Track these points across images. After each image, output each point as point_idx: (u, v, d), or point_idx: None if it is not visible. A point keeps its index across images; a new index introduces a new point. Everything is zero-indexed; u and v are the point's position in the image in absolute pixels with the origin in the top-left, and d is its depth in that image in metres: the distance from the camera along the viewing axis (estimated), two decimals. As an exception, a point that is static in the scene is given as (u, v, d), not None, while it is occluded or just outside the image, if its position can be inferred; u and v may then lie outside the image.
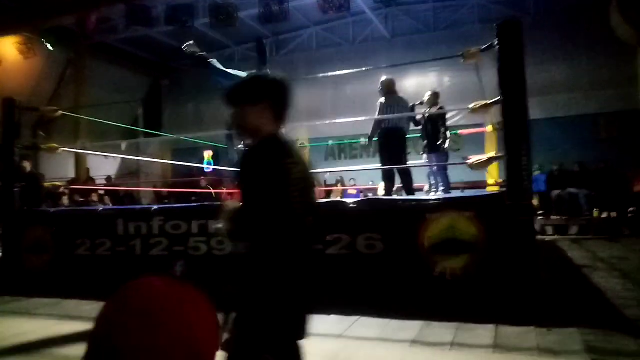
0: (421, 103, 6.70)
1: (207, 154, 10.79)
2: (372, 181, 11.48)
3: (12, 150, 5.53)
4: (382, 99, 6.21)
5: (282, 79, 1.76)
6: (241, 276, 1.55)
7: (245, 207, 1.62)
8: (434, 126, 6.43)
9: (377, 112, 6.18)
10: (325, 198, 10.95)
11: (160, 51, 15.00)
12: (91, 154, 10.50)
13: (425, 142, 6.59)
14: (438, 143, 6.38)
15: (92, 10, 4.61)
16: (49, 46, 10.80)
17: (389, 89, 6.29)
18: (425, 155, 6.65)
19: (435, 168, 6.58)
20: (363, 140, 12.75)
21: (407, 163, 6.48)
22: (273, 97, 1.70)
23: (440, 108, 6.56)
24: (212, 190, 10.97)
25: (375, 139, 6.25)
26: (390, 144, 6.09)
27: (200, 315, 0.94)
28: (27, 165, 6.40)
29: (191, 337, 0.89)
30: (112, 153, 11.10)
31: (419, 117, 6.56)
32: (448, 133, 7.05)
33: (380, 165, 6.35)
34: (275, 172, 1.53)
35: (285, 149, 1.62)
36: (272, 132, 1.67)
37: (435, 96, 6.65)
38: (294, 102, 1.76)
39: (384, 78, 6.42)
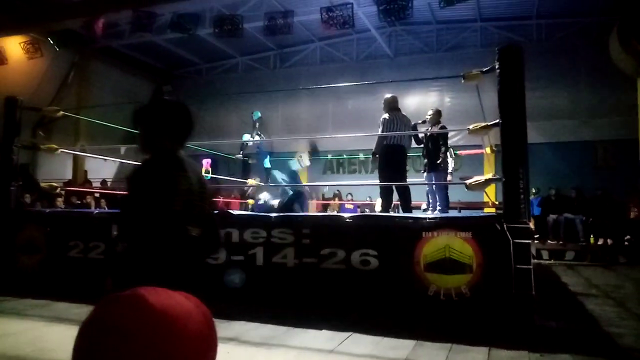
0: (424, 122, 6.75)
1: (206, 163, 10.76)
2: (369, 197, 11.49)
3: (11, 149, 5.53)
4: (385, 115, 6.22)
5: (183, 106, 1.95)
6: (122, 275, 1.69)
7: (126, 211, 1.78)
8: (435, 145, 6.46)
9: (380, 128, 6.19)
10: (322, 211, 10.94)
11: (164, 58, 15.10)
12: (89, 156, 10.49)
13: (426, 160, 6.61)
14: (438, 162, 6.41)
15: (100, 14, 4.66)
16: (55, 47, 10.85)
17: (391, 105, 6.31)
18: (425, 174, 6.68)
19: (434, 187, 6.60)
20: (362, 156, 12.86)
21: (407, 180, 6.48)
22: (172, 122, 1.89)
23: (442, 127, 6.59)
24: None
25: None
26: (390, 160, 6.08)
27: (190, 330, 0.91)
28: None
29: (176, 355, 0.86)
30: (111, 156, 11.08)
31: (421, 135, 6.61)
32: (451, 152, 7.08)
33: (379, 181, 6.34)
34: (162, 181, 1.70)
35: (177, 163, 1.78)
36: (168, 148, 1.84)
37: (437, 114, 6.69)
38: (194, 126, 1.95)
39: (387, 95, 6.45)
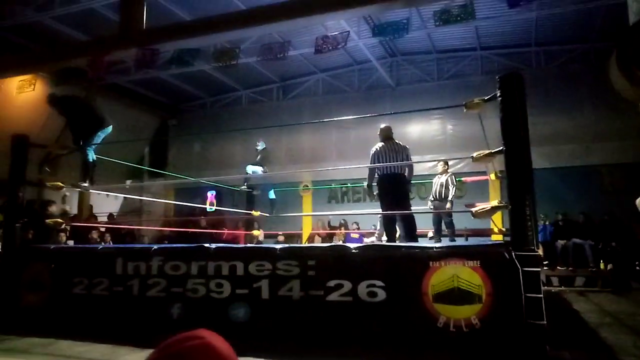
0: None
1: (210, 196, 10.82)
2: (374, 225, 11.42)
3: (18, 187, 5.56)
4: (374, 148, 6.32)
5: None
6: None
7: None
8: None
9: (369, 160, 6.30)
10: (328, 241, 10.87)
11: (169, 92, 15.35)
12: (95, 192, 10.53)
13: None
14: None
15: (107, 53, 4.80)
16: (54, 84, 11.01)
17: (384, 135, 6.42)
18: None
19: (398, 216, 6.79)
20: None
21: (410, 209, 6.47)
22: None
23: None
24: (212, 231, 10.92)
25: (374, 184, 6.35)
26: (385, 190, 6.13)
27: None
28: None
29: None
30: (116, 191, 11.11)
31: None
32: (452, 180, 7.34)
33: (381, 211, 6.35)
34: None
35: None
36: None
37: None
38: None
39: (382, 125, 6.59)
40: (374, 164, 6.21)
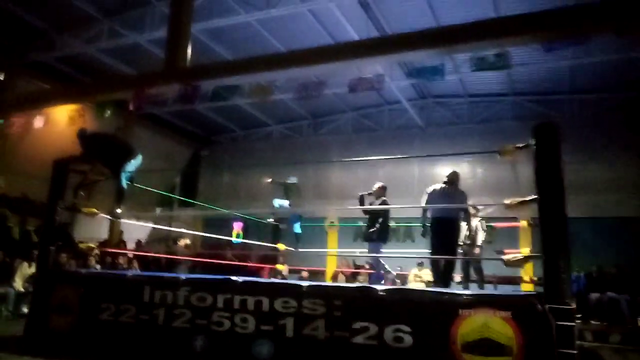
0: (370, 194, 7.18)
1: (237, 228, 10.85)
2: (399, 267, 11.22)
3: (55, 211, 5.75)
4: (431, 187, 6.46)
5: None
6: None
7: None
8: (373, 217, 6.86)
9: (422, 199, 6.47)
10: (352, 281, 10.73)
11: (203, 124, 15.80)
12: (127, 222, 10.78)
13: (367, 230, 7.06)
14: (370, 231, 6.80)
15: (150, 87, 5.05)
16: (102, 114, 11.50)
17: (448, 179, 6.56)
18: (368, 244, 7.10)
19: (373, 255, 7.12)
20: (394, 224, 12.80)
21: (455, 253, 6.48)
22: None
23: (384, 201, 6.97)
24: (238, 263, 10.94)
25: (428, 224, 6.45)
26: (433, 232, 6.20)
27: None
28: None
29: None
30: (147, 218, 11.32)
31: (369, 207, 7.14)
32: (482, 225, 7.53)
33: (430, 252, 6.41)
34: None
35: None
36: None
37: (382, 189, 7.09)
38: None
39: (450, 170, 6.76)
40: (427, 203, 6.35)
